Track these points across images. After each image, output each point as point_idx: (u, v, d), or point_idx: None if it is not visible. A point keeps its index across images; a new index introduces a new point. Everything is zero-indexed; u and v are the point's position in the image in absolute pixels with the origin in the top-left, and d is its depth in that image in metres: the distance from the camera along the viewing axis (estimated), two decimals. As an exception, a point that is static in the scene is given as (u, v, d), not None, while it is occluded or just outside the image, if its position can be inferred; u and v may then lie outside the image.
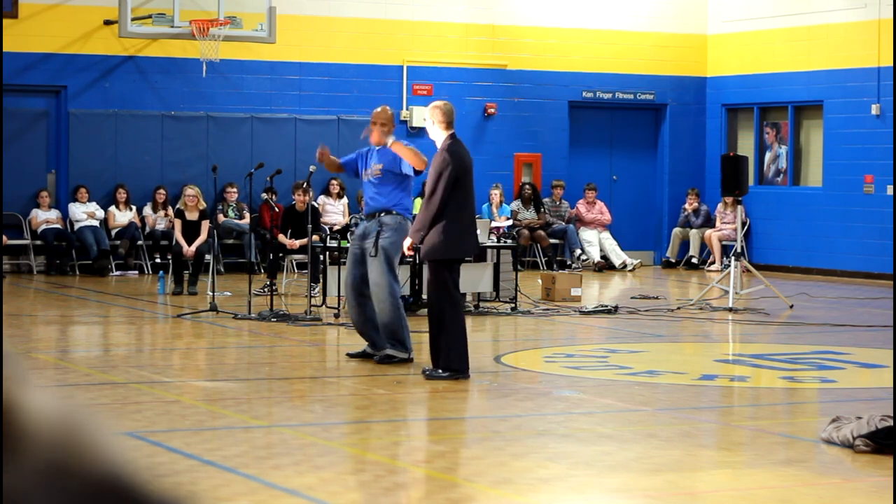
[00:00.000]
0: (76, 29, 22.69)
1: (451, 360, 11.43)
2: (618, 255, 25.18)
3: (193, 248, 20.08)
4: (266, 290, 18.83)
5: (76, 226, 22.40)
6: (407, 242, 11.88)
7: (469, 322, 14.74)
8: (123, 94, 22.94)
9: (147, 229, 22.78)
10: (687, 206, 25.90)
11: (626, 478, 8.02)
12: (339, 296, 16.24)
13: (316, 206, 21.17)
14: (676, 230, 25.89)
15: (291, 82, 23.89)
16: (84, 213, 22.38)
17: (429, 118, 11.75)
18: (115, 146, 22.91)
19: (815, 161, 25.07)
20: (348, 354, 12.92)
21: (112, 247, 22.40)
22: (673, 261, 25.77)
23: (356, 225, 22.03)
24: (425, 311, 16.51)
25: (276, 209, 20.94)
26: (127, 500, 1.22)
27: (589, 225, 25.45)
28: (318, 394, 11.28)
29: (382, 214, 12.37)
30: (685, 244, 25.91)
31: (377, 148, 12.54)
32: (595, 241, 25.27)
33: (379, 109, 12.71)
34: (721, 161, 19.81)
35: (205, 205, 21.37)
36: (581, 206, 25.57)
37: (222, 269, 21.98)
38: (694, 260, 25.58)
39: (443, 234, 11.46)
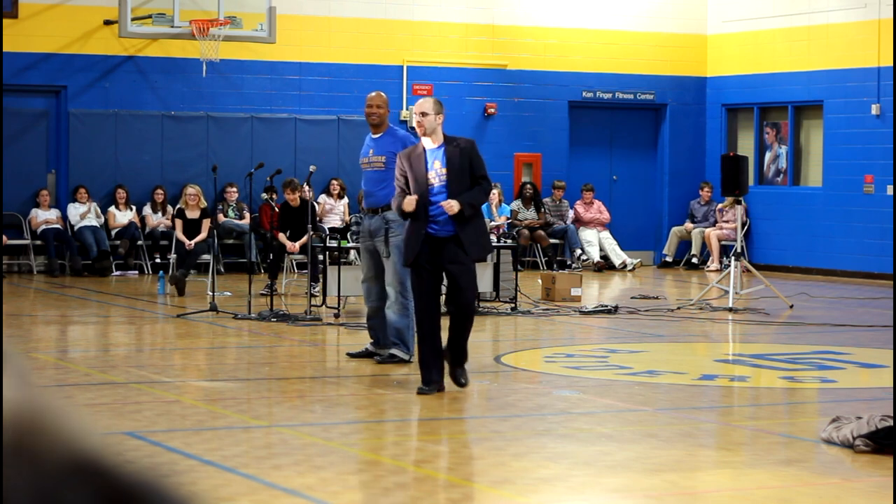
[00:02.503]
0: (76, 29, 22.69)
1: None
2: (617, 255, 25.19)
3: (193, 242, 20.13)
4: (267, 290, 18.86)
5: (76, 226, 22.39)
6: (455, 206, 10.57)
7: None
8: (123, 94, 22.94)
9: (147, 229, 22.78)
10: (701, 200, 25.87)
11: (626, 478, 8.02)
12: (339, 296, 16.24)
13: (313, 202, 21.15)
14: (675, 229, 25.88)
15: (291, 82, 23.89)
16: (78, 214, 22.35)
17: (432, 111, 10.85)
18: (115, 146, 22.91)
19: (815, 161, 25.07)
20: (348, 354, 12.92)
21: (112, 247, 22.40)
22: (669, 260, 25.76)
23: (357, 224, 22.11)
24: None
25: (276, 209, 20.96)
26: (99, 480, 1.22)
27: (588, 224, 25.46)
28: (318, 394, 11.28)
29: (386, 210, 12.31)
30: (683, 244, 25.91)
31: (375, 137, 12.51)
32: (595, 241, 25.27)
33: (374, 94, 12.68)
34: (721, 161, 19.81)
35: (205, 203, 21.39)
36: (579, 207, 25.59)
37: (222, 269, 21.98)
38: (694, 260, 25.58)
39: (485, 232, 11.20)
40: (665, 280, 23.63)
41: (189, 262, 19.86)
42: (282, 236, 19.21)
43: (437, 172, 10.71)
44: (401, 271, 12.13)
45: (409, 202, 10.67)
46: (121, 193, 22.62)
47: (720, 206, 25.30)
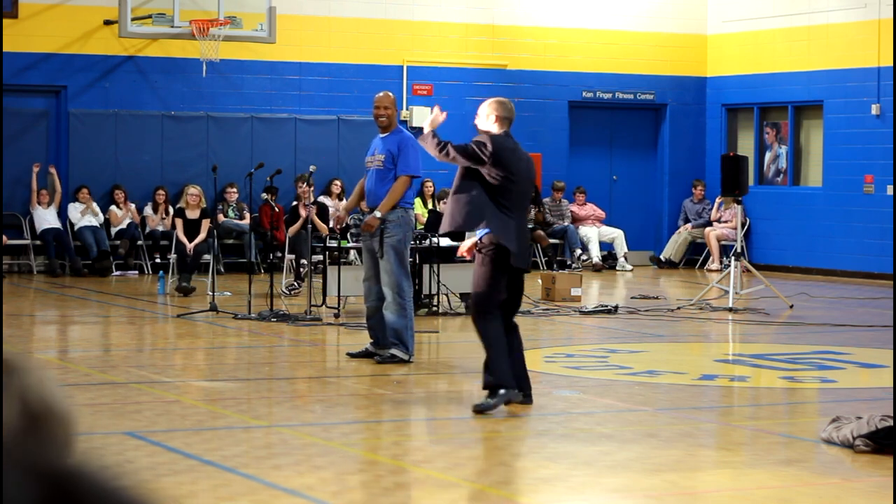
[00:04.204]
0: (76, 29, 22.68)
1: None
2: (621, 245, 25.21)
3: (192, 245, 20.14)
4: (293, 291, 18.87)
5: (76, 225, 22.39)
6: (431, 120, 10.34)
7: (468, 323, 14.72)
8: (123, 94, 22.93)
9: (147, 229, 22.77)
10: (694, 199, 25.88)
11: (626, 478, 8.02)
12: (339, 296, 16.24)
13: (324, 203, 21.18)
14: (686, 234, 25.78)
15: (291, 82, 23.89)
16: (79, 211, 22.35)
17: (489, 110, 10.54)
18: (115, 146, 22.90)
19: (815, 161, 25.07)
20: (349, 354, 12.91)
21: (112, 247, 22.40)
22: (675, 260, 25.70)
23: (357, 224, 22.10)
24: (424, 311, 16.53)
25: (276, 209, 20.96)
26: (41, 472, 1.24)
27: (585, 221, 25.49)
28: (318, 394, 11.28)
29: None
30: (690, 246, 25.86)
31: (382, 136, 12.54)
32: (595, 237, 25.28)
33: (382, 94, 12.70)
34: (721, 161, 19.81)
35: (205, 204, 21.39)
36: (573, 207, 25.63)
37: (222, 269, 21.97)
38: (695, 257, 25.61)
39: (467, 202, 10.06)
40: (665, 280, 23.63)
41: (191, 265, 19.84)
42: (318, 221, 19.14)
43: None
44: (396, 272, 12.14)
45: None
46: (119, 194, 22.60)
47: (718, 199, 25.22)
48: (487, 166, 10.04)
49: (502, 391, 9.89)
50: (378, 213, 12.17)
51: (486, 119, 10.40)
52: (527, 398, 10.15)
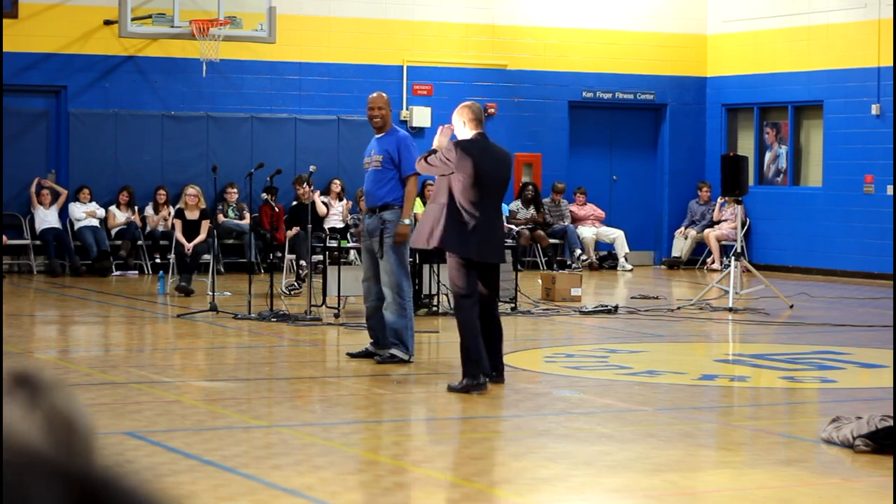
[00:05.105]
0: (76, 29, 22.68)
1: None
2: (622, 245, 25.21)
3: (190, 245, 20.14)
4: (293, 291, 18.87)
5: (76, 225, 22.38)
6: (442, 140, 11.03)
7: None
8: (123, 94, 22.93)
9: (147, 229, 22.77)
10: (699, 200, 25.88)
11: (626, 478, 8.02)
12: (339, 296, 16.24)
13: (322, 202, 21.20)
14: (690, 239, 25.76)
15: (291, 82, 23.89)
16: (83, 212, 22.36)
17: (458, 118, 11.03)
18: (116, 146, 22.90)
19: (815, 161, 25.07)
20: (349, 354, 12.91)
21: (112, 247, 22.40)
22: (684, 259, 25.68)
23: (355, 225, 22.11)
24: (424, 311, 16.56)
25: (276, 209, 20.96)
26: (66, 474, 1.26)
27: (584, 221, 25.50)
28: (318, 394, 11.28)
29: (383, 210, 12.34)
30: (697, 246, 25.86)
31: (378, 137, 12.55)
32: (593, 237, 25.27)
33: (375, 95, 12.71)
34: (721, 161, 19.81)
35: (205, 204, 21.38)
36: (573, 207, 25.64)
37: (222, 269, 21.97)
38: (694, 257, 25.61)
39: (427, 220, 11.04)
40: (665, 280, 23.63)
41: (191, 265, 19.84)
42: (319, 203, 19.22)
43: None
44: (396, 272, 12.15)
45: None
46: (125, 195, 22.61)
47: (720, 199, 25.20)
48: (455, 170, 10.79)
49: (465, 379, 10.73)
50: (406, 221, 12.25)
51: (460, 125, 11.09)
52: (498, 377, 11.06)
